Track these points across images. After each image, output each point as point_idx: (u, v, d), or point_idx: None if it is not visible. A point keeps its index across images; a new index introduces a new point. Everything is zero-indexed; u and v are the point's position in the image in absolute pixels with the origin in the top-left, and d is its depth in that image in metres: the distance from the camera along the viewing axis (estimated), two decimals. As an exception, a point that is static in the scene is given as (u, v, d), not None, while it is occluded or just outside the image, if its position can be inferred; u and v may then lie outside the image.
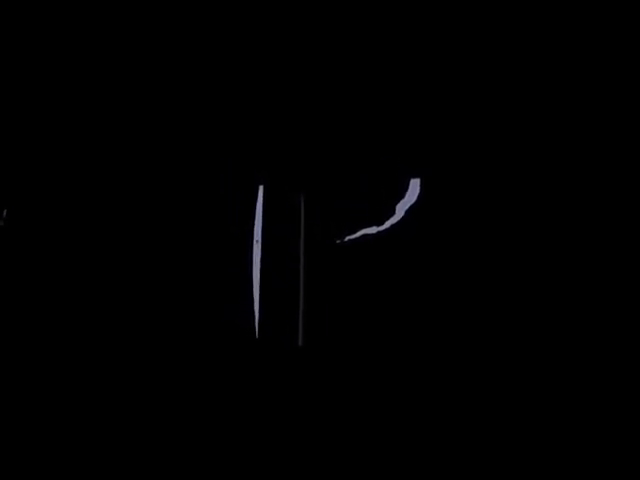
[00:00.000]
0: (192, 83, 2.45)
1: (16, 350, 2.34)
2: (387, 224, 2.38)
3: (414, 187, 2.38)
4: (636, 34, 2.29)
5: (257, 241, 2.43)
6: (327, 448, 2.24)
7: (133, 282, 2.39)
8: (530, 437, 2.21)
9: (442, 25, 2.37)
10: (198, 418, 2.28)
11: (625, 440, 2.17)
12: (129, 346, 2.34)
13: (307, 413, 2.28)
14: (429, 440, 2.23)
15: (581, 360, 2.23)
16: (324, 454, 2.24)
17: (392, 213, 2.38)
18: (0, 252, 2.40)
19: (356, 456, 2.23)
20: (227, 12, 2.44)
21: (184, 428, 2.27)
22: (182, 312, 2.37)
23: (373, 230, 2.39)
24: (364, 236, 2.39)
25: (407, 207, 2.38)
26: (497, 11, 2.35)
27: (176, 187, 2.43)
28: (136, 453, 2.25)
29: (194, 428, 2.27)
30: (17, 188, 2.44)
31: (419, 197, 2.38)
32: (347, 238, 2.40)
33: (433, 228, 2.36)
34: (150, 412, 2.29)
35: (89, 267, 2.38)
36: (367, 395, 2.28)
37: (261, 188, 2.45)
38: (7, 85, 2.47)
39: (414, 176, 2.38)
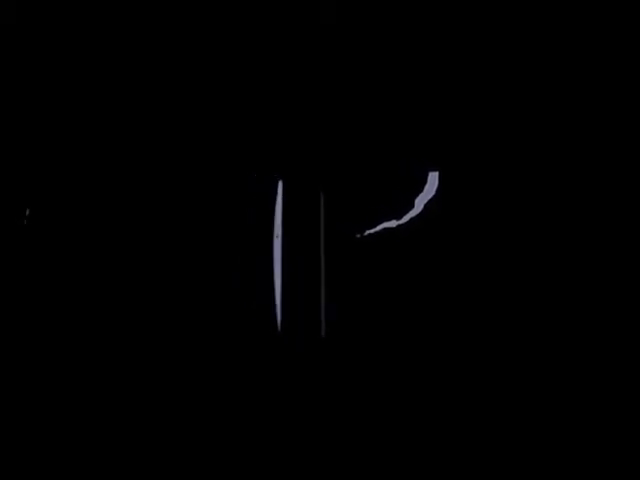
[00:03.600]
0: (212, 78, 2.47)
1: (17, 344, 2.34)
2: (406, 218, 2.40)
3: (433, 181, 2.40)
4: (636, 34, 2.33)
5: (277, 236, 2.44)
6: (348, 435, 2.25)
7: (153, 279, 2.40)
8: (530, 433, 2.22)
9: (459, 17, 2.40)
10: (219, 410, 2.29)
11: (625, 440, 2.19)
12: (148, 345, 2.35)
13: (330, 404, 2.29)
14: (449, 430, 2.24)
15: (583, 358, 2.25)
16: (345, 441, 2.24)
17: (411, 207, 2.40)
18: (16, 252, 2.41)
19: (377, 445, 2.24)
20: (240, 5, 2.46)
21: (203, 419, 2.28)
22: (204, 308, 2.38)
23: (393, 224, 2.40)
24: (384, 230, 2.40)
25: (426, 201, 2.40)
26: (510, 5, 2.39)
27: (196, 183, 2.45)
28: (151, 436, 2.26)
29: (214, 419, 2.28)
30: (18, 187, 2.45)
31: (438, 190, 2.40)
32: (367, 232, 2.41)
33: (453, 221, 2.38)
34: (168, 404, 2.29)
35: (111, 261, 2.39)
36: (389, 385, 2.30)
37: (280, 183, 2.46)
38: (9, 85, 2.48)
39: (432, 170, 2.41)
